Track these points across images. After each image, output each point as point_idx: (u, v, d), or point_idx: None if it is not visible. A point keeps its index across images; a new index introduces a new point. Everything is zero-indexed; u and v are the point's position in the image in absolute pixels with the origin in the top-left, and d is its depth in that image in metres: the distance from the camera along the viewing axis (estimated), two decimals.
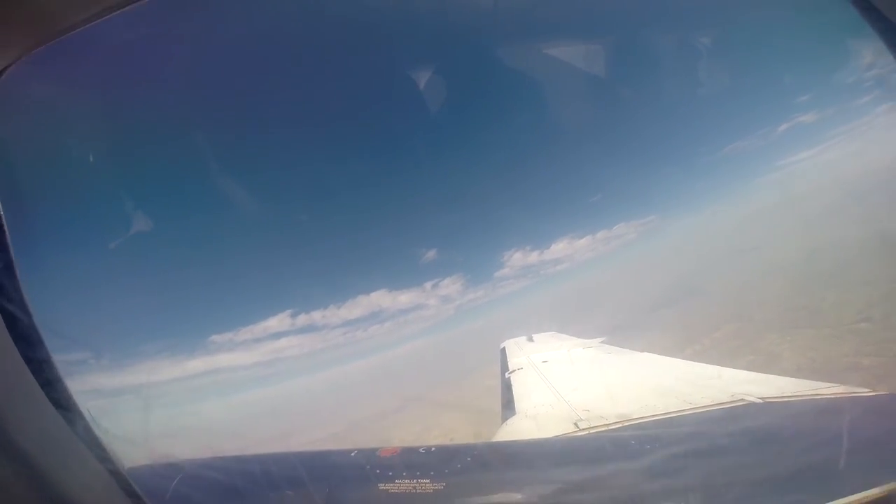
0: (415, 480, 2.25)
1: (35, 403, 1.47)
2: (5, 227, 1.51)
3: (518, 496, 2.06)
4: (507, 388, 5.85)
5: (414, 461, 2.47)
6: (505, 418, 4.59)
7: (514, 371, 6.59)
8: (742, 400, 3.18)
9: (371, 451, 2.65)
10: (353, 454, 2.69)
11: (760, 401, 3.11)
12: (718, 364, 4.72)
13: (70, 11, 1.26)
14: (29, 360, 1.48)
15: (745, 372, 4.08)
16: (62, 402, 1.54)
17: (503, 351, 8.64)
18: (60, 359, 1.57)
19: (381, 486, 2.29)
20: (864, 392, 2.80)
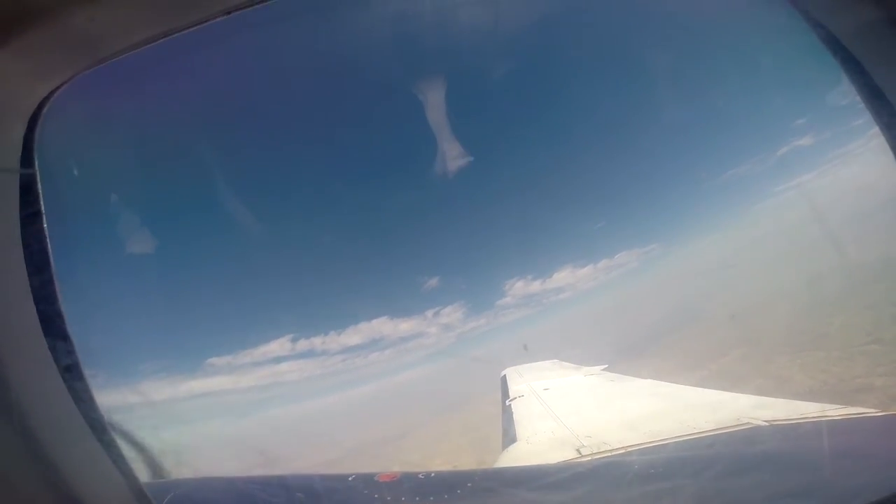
0: None
1: (63, 410, 1.47)
2: (47, 240, 1.54)
3: None
4: (508, 415, 5.75)
5: (413, 487, 2.41)
6: (506, 445, 4.49)
7: (514, 398, 6.48)
8: (747, 424, 3.12)
9: (370, 475, 2.59)
10: (351, 479, 2.63)
11: (766, 424, 3.05)
12: (728, 389, 4.62)
13: (115, 38, 1.34)
14: (61, 367, 1.49)
15: (751, 396, 4.01)
16: (89, 411, 1.53)
17: (504, 378, 8.49)
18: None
19: None
20: (872, 412, 2.74)
